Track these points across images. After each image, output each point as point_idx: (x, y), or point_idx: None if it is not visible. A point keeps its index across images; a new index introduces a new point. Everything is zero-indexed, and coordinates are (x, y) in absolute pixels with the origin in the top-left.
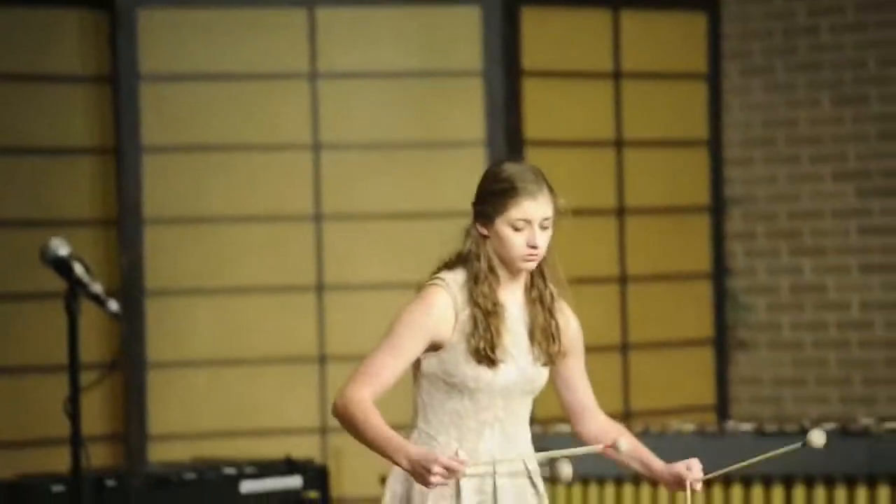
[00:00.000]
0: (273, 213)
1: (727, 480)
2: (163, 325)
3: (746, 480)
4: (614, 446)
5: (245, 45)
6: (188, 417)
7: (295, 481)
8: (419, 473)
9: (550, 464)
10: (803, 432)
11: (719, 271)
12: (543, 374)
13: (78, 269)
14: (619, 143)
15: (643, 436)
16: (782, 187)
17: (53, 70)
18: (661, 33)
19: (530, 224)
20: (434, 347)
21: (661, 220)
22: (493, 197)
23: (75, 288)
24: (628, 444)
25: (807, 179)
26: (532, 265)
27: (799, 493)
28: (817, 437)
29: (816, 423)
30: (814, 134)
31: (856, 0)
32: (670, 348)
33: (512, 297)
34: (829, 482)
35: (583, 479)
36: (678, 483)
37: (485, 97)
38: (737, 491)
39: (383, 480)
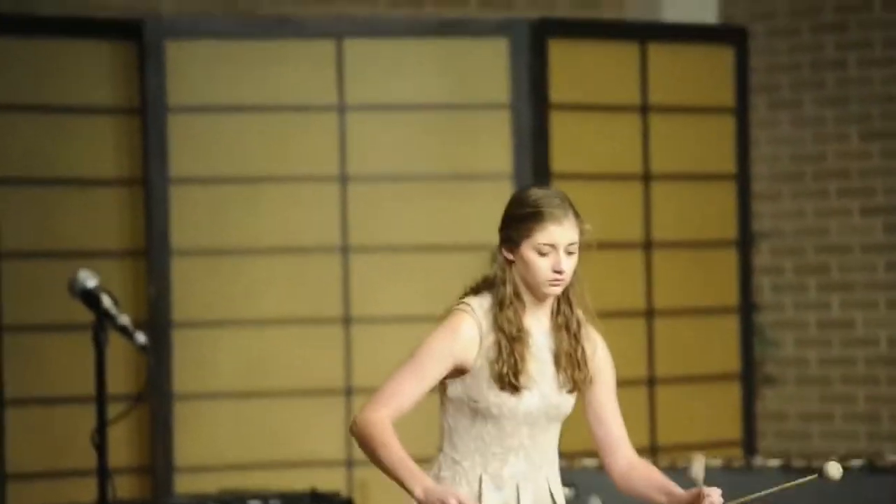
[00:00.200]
0: (300, 245)
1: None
2: (189, 357)
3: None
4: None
5: (273, 77)
6: (214, 449)
7: None
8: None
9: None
10: None
11: (747, 306)
12: (569, 400)
13: (106, 300)
14: (646, 177)
15: (669, 471)
16: (810, 222)
17: (82, 101)
18: (689, 66)
19: (555, 249)
20: (458, 372)
21: (689, 254)
22: (518, 222)
23: (103, 320)
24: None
25: (835, 214)
26: (557, 290)
27: None
28: (833, 470)
29: (844, 459)
30: (842, 168)
31: (884, 35)
32: (697, 383)
33: (537, 323)
34: None
35: None
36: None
37: (512, 129)
38: None
39: None
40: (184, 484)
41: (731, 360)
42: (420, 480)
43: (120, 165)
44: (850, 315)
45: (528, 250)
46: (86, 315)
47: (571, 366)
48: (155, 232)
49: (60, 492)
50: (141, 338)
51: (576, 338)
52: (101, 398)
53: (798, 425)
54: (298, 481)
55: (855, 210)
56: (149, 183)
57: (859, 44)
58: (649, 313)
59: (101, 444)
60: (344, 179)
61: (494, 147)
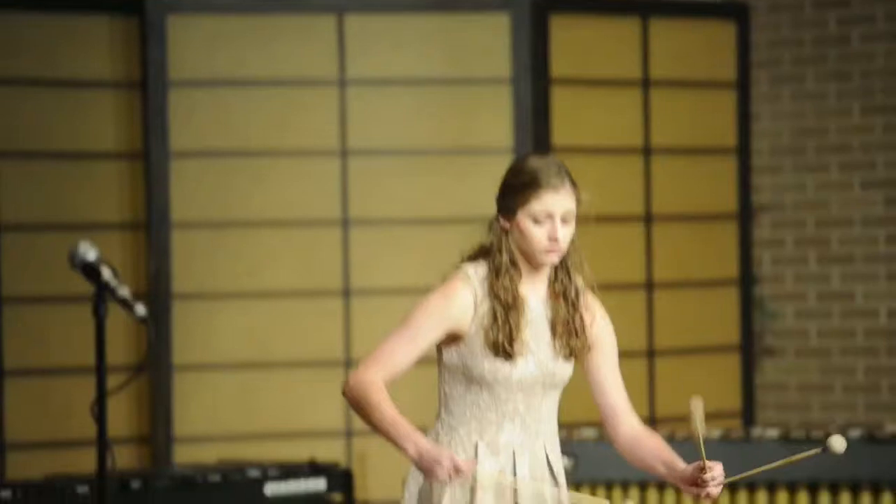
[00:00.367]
0: (300, 219)
1: (752, 486)
2: (189, 329)
3: (771, 486)
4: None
5: (274, 52)
6: (213, 420)
7: (319, 484)
8: (426, 465)
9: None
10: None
11: (747, 278)
12: (566, 368)
13: (106, 273)
14: (647, 151)
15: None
16: (811, 195)
17: (84, 76)
18: (690, 41)
19: (552, 217)
20: (452, 339)
21: (689, 228)
22: (515, 190)
23: (103, 292)
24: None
25: (835, 187)
26: (554, 259)
27: (824, 499)
28: (838, 443)
29: (843, 429)
30: (843, 142)
31: (886, 9)
32: (697, 355)
33: (534, 291)
34: (855, 488)
35: (607, 483)
36: (696, 482)
37: (513, 104)
38: (761, 496)
39: None
40: (183, 454)
41: (730, 332)
42: (413, 439)
43: (121, 139)
44: (850, 287)
45: (524, 218)
46: (86, 287)
47: (568, 333)
48: (155, 205)
49: (60, 462)
50: (141, 310)
51: (573, 306)
52: (100, 369)
53: (797, 397)
54: (297, 452)
55: (856, 184)
56: (150, 157)
57: (862, 18)
58: (649, 286)
59: (100, 415)
60: (344, 154)
61: (495, 122)
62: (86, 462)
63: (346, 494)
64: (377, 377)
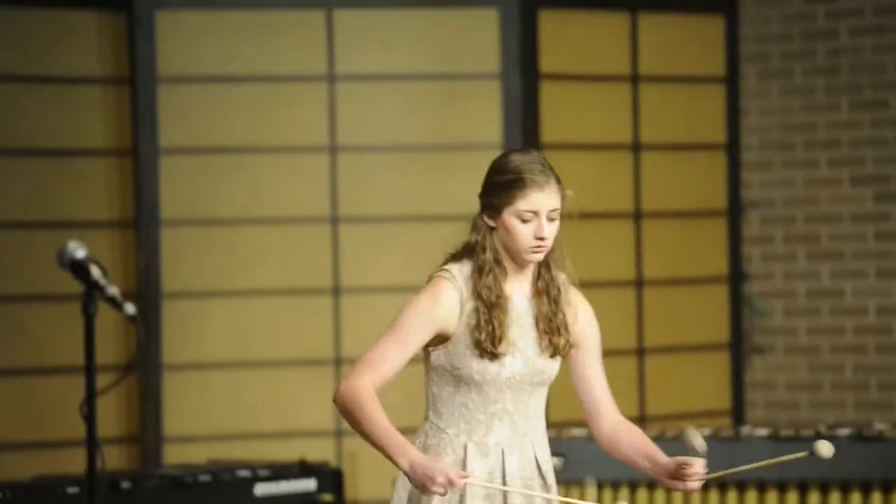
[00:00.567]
0: (289, 216)
1: (741, 485)
2: (179, 328)
3: (761, 485)
4: None
5: (263, 48)
6: (203, 420)
7: (309, 484)
8: (420, 479)
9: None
10: (818, 437)
11: (736, 275)
12: (553, 365)
13: (94, 271)
14: (636, 147)
15: (658, 440)
16: (800, 191)
17: (71, 72)
18: (679, 36)
19: (538, 215)
20: (440, 340)
21: (678, 224)
22: (500, 188)
23: (92, 290)
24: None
25: (825, 184)
26: (539, 257)
27: (814, 498)
28: (824, 448)
29: (832, 427)
30: (832, 138)
31: (875, 3)
32: (686, 352)
33: (519, 289)
34: (845, 487)
35: (598, 482)
36: (677, 475)
37: (502, 100)
38: (751, 495)
39: None
40: (173, 454)
41: (720, 330)
42: (406, 453)
43: (109, 136)
44: (840, 284)
45: (510, 217)
46: (75, 286)
47: (551, 331)
48: (144, 202)
49: (49, 462)
50: (130, 308)
51: (555, 303)
52: (89, 369)
53: (787, 395)
54: (287, 451)
55: (845, 179)
56: (138, 153)
57: (850, 13)
58: (639, 283)
59: (89, 415)
60: (333, 150)
61: (484, 117)
62: (75, 462)
63: (337, 494)
64: (367, 384)
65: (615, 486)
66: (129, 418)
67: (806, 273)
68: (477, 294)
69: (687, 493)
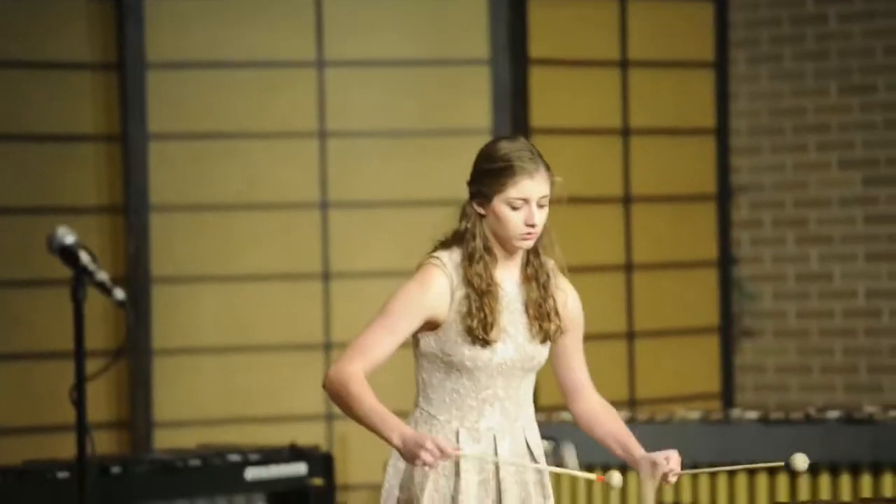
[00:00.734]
0: (279, 201)
1: (732, 470)
2: (169, 313)
3: (751, 470)
4: (607, 481)
5: (251, 33)
6: (193, 404)
7: (300, 468)
8: (411, 451)
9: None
10: (808, 420)
11: (725, 259)
12: (542, 351)
13: (84, 257)
14: (625, 132)
15: (648, 424)
16: (789, 175)
17: (60, 57)
18: (669, 21)
19: (528, 203)
20: (430, 326)
21: (668, 209)
22: (490, 176)
23: (81, 276)
24: (619, 482)
25: (814, 168)
26: (529, 244)
27: (803, 481)
28: (800, 462)
29: (821, 410)
30: (821, 122)
31: None
32: (676, 336)
33: (509, 275)
34: (834, 470)
35: (587, 466)
36: (653, 466)
37: (491, 85)
38: (741, 478)
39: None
40: (163, 439)
41: (709, 314)
42: (396, 429)
43: (98, 122)
44: (829, 268)
45: (500, 205)
46: (65, 271)
47: (541, 317)
48: (134, 188)
49: (39, 447)
50: (119, 294)
51: (545, 288)
52: (79, 354)
53: (776, 378)
54: (278, 436)
55: (833, 163)
56: (127, 139)
57: None
58: (629, 267)
59: (79, 400)
60: (323, 135)
61: (473, 103)
62: (65, 447)
63: (327, 478)
64: (357, 369)
65: (605, 469)
66: (118, 403)
67: (795, 256)
68: (468, 281)
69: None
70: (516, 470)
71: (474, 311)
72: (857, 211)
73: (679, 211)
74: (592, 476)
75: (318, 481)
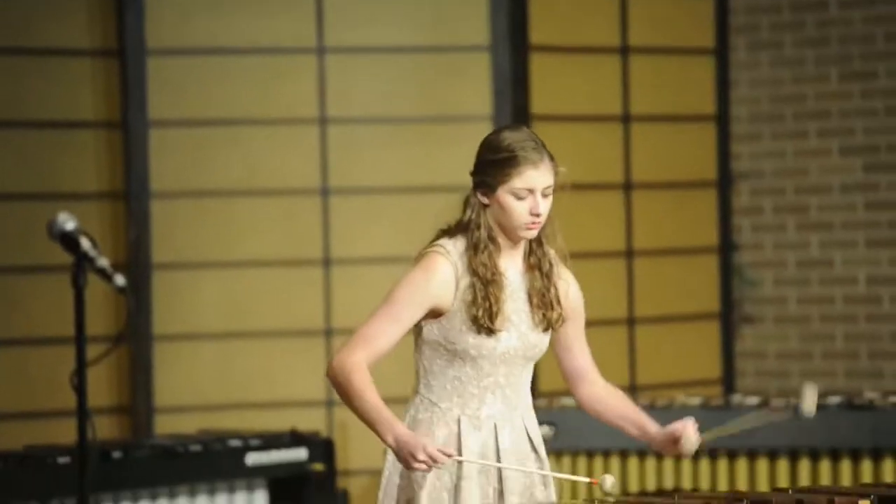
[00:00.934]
0: (280, 188)
1: (732, 454)
2: (169, 299)
3: (751, 453)
4: (600, 485)
5: (252, 20)
6: (194, 390)
7: (300, 453)
8: (404, 456)
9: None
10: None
11: (726, 246)
12: (544, 339)
13: (84, 243)
14: (626, 119)
15: (649, 409)
16: (790, 162)
17: (61, 44)
18: (669, 8)
19: (533, 193)
20: (434, 315)
21: (668, 195)
22: (494, 166)
23: (82, 262)
24: (613, 485)
25: (814, 154)
26: (534, 233)
27: (804, 465)
28: (809, 401)
29: (822, 396)
30: (821, 109)
31: None
32: (677, 322)
33: (513, 265)
34: (835, 455)
35: (588, 452)
36: (673, 442)
37: (492, 72)
38: (742, 463)
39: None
40: (164, 424)
41: (710, 300)
42: (393, 428)
43: (99, 108)
44: (829, 254)
45: (504, 195)
46: (65, 257)
47: (544, 305)
48: (134, 174)
49: (40, 432)
50: (119, 280)
51: (548, 277)
52: (80, 339)
53: (777, 364)
54: (278, 421)
55: (834, 150)
56: (128, 125)
57: None
58: (629, 253)
59: (80, 385)
60: (324, 122)
61: (474, 89)
62: (66, 432)
63: (328, 463)
64: (360, 359)
65: (606, 454)
66: (119, 389)
67: (796, 243)
68: (472, 270)
69: (678, 459)
70: (517, 458)
71: (479, 300)
72: (857, 197)
73: (680, 197)
74: (586, 479)
75: (318, 467)
